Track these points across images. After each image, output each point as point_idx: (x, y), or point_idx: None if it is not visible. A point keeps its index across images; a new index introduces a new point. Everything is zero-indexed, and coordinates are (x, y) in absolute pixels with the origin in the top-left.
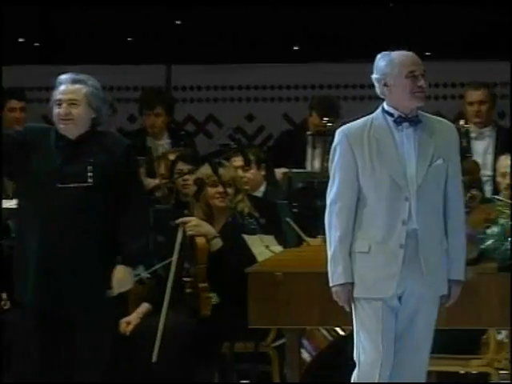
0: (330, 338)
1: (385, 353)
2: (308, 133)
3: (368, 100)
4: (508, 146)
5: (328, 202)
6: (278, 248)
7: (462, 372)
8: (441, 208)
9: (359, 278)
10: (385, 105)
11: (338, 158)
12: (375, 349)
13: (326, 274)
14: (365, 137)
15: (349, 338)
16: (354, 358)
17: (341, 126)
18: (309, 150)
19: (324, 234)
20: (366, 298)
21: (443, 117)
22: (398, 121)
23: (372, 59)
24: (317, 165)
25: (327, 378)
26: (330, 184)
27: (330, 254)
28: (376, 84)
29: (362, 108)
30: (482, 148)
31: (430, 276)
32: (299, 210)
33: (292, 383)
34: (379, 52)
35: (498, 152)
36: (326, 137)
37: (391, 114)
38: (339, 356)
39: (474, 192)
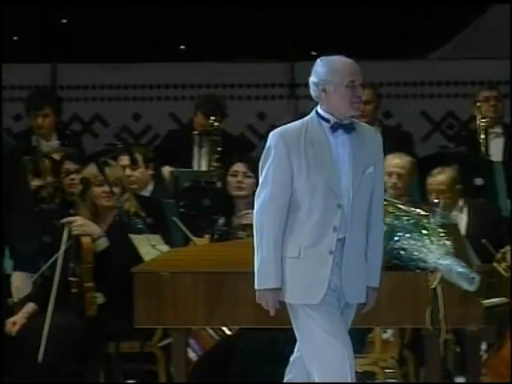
0: (217, 338)
1: (345, 344)
2: (194, 132)
3: (255, 100)
4: (395, 146)
5: (259, 202)
6: (164, 247)
7: None
8: (365, 217)
9: (292, 283)
10: (319, 109)
11: (272, 159)
12: (337, 345)
13: (213, 273)
14: (301, 141)
15: (235, 337)
16: (308, 368)
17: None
18: (195, 150)
19: (211, 233)
20: (299, 304)
21: None
22: (334, 127)
23: (258, 59)
24: (203, 164)
25: (214, 377)
26: (261, 185)
27: (260, 256)
28: (313, 87)
29: (248, 107)
30: None
31: (346, 285)
32: (186, 209)
33: (178, 383)
34: (266, 51)
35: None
36: (213, 136)
37: (327, 120)
38: (226, 355)
39: None
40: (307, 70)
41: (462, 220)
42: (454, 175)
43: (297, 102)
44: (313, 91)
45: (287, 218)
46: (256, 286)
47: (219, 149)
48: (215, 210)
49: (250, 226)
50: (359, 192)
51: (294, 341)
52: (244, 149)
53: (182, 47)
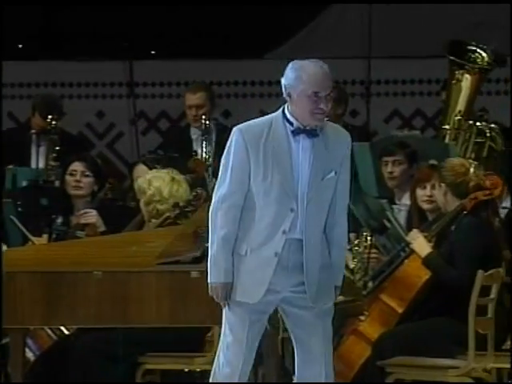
0: (55, 338)
1: (247, 353)
2: (32, 131)
3: (94, 99)
4: None
5: (215, 198)
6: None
7: (187, 370)
8: (325, 219)
9: (236, 279)
10: (286, 109)
11: (231, 156)
12: (239, 348)
13: (51, 273)
14: (262, 140)
15: (73, 336)
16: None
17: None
18: (33, 149)
19: (49, 233)
20: (236, 300)
21: None
22: (296, 132)
23: (97, 57)
24: (41, 163)
25: (51, 377)
26: (218, 180)
27: (211, 251)
28: (282, 87)
29: (87, 106)
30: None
31: (311, 287)
32: (24, 208)
33: (15, 383)
34: (105, 49)
35: None
36: (51, 135)
37: (291, 123)
38: (63, 355)
39: (199, 190)
40: (146, 69)
41: None
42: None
43: (136, 100)
44: (283, 91)
45: (241, 215)
46: (208, 280)
47: (57, 148)
48: (53, 210)
49: (89, 225)
50: (316, 198)
51: (131, 340)
52: (83, 147)
53: (19, 46)
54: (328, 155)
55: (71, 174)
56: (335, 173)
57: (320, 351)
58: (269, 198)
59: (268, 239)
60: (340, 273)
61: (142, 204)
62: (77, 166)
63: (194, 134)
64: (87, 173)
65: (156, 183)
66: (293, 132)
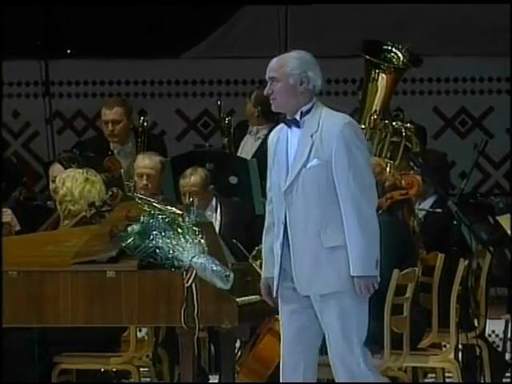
0: None
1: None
2: None
3: (8, 98)
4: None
5: None
6: None
7: (103, 370)
8: (326, 209)
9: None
10: None
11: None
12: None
13: None
14: (277, 137)
15: None
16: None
17: None
18: None
19: None
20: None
21: None
22: (287, 124)
23: (12, 56)
24: None
25: None
26: None
27: None
28: None
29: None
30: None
31: (298, 276)
32: None
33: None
34: (20, 48)
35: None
36: None
37: None
38: None
39: (115, 190)
40: (62, 68)
41: (216, 220)
42: (205, 176)
43: (51, 99)
44: None
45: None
46: None
47: None
48: None
49: (4, 224)
50: (301, 186)
51: (47, 340)
52: None
53: None
54: (314, 143)
55: None
56: (320, 160)
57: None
58: (273, 193)
59: (277, 235)
60: (354, 262)
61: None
62: None
63: (114, 148)
64: None
65: (68, 183)
66: (286, 124)
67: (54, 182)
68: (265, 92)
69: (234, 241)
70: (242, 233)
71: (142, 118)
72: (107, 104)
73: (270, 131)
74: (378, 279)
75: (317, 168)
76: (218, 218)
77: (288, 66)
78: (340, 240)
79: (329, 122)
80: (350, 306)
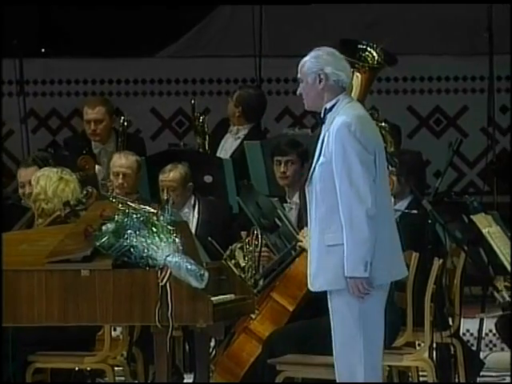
0: None
1: None
2: None
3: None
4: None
5: None
6: None
7: (77, 369)
8: (330, 208)
9: None
10: None
11: None
12: None
13: None
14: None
15: None
16: None
17: None
18: None
19: None
20: None
21: None
22: (318, 121)
23: None
24: None
25: None
26: None
27: None
28: None
29: None
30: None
31: (310, 271)
32: None
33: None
34: None
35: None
36: None
37: None
38: None
39: (90, 189)
40: (36, 67)
41: (193, 217)
42: (185, 172)
43: (26, 98)
44: None
45: None
46: None
47: None
48: None
49: None
50: (313, 186)
51: (21, 339)
52: None
53: None
54: (324, 141)
55: None
56: (326, 158)
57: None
58: None
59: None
60: (346, 261)
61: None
62: None
63: (96, 148)
64: None
65: (42, 182)
66: (317, 121)
67: (22, 187)
68: (297, 93)
69: (210, 239)
70: (219, 231)
71: (122, 118)
72: (89, 103)
73: (249, 131)
74: (374, 281)
75: (323, 166)
76: (196, 215)
77: (305, 65)
78: (339, 239)
79: (336, 120)
80: (348, 304)
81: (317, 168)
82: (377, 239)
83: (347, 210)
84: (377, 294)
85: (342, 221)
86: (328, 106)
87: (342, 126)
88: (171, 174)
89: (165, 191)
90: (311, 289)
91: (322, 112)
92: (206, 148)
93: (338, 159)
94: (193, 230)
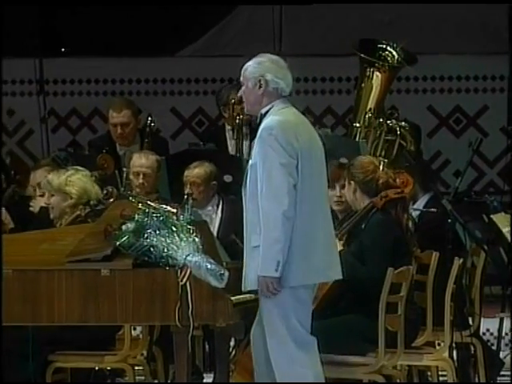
0: None
1: None
2: None
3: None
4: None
5: None
6: None
7: (97, 368)
8: (256, 209)
9: None
10: None
11: None
12: None
13: None
14: None
15: None
16: None
17: None
18: None
19: None
20: None
21: None
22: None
23: (6, 54)
24: None
25: None
26: None
27: None
28: None
29: None
30: None
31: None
32: None
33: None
34: (14, 47)
35: None
36: None
37: None
38: None
39: (110, 188)
40: (56, 66)
41: (216, 216)
42: (210, 170)
43: (46, 98)
44: None
45: None
46: None
47: None
48: None
49: None
50: (246, 184)
51: (42, 339)
52: None
53: None
54: (253, 146)
55: None
56: (253, 162)
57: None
58: None
59: None
60: (261, 262)
61: (56, 202)
62: None
63: (121, 150)
64: None
65: (81, 184)
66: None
67: (35, 189)
68: (238, 95)
69: (233, 237)
70: (242, 230)
71: (149, 118)
72: (115, 106)
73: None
74: (288, 283)
75: (251, 169)
76: (219, 214)
77: (247, 69)
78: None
79: (262, 124)
80: (266, 304)
81: (247, 171)
82: (304, 241)
83: (264, 210)
84: (292, 294)
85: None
86: (263, 111)
87: (265, 129)
88: (196, 170)
89: (188, 186)
90: (243, 289)
91: (259, 117)
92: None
93: (260, 162)
94: (215, 229)
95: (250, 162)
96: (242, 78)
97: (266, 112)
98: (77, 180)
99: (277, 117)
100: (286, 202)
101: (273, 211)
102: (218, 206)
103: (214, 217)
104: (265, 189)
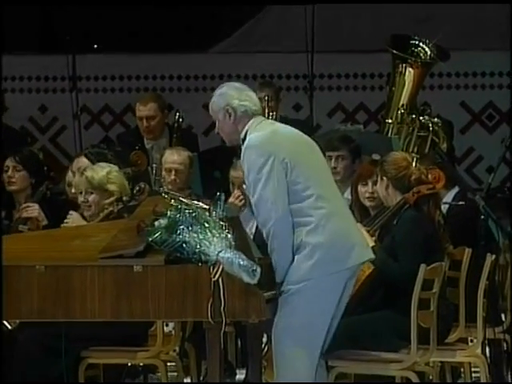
0: None
1: None
2: None
3: (36, 93)
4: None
5: None
6: None
7: (130, 364)
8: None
9: None
10: None
11: None
12: None
13: None
14: None
15: (16, 331)
16: None
17: None
18: None
19: None
20: None
21: None
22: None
23: (40, 51)
24: None
25: None
26: None
27: None
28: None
29: (29, 100)
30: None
31: None
32: None
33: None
34: (48, 43)
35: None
36: None
37: None
38: (7, 349)
39: (142, 185)
40: (89, 63)
41: None
42: None
43: (79, 94)
44: None
45: None
46: None
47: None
48: None
49: (31, 219)
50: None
51: (74, 335)
52: (24, 142)
53: None
54: None
55: (5, 170)
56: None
57: None
58: None
59: None
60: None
61: (95, 200)
62: (8, 162)
63: (149, 143)
64: (18, 168)
65: (119, 179)
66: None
67: (73, 174)
68: (215, 132)
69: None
70: None
71: (177, 114)
72: (141, 100)
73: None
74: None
75: (246, 190)
76: None
77: (213, 104)
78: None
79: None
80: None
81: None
82: (338, 227)
83: (260, 224)
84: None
85: None
86: (242, 135)
87: (246, 149)
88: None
89: (236, 186)
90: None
91: (241, 142)
92: None
93: (246, 181)
94: (254, 226)
95: (244, 186)
96: (211, 113)
97: (245, 135)
98: (116, 177)
99: (253, 134)
100: (272, 215)
101: (265, 226)
102: None
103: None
104: (255, 202)
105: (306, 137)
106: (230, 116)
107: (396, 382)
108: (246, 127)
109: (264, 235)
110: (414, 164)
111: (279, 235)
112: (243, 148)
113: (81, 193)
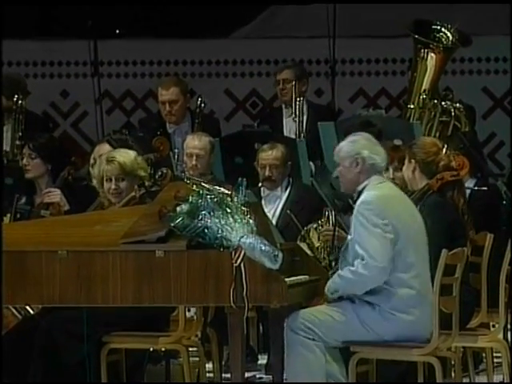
0: (20, 317)
1: None
2: None
3: (58, 78)
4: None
5: None
6: None
7: (152, 349)
8: None
9: None
10: None
11: None
12: None
13: (15, 252)
14: None
15: (38, 316)
16: None
17: None
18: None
19: (12, 212)
20: None
21: None
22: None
23: (61, 36)
24: (6, 143)
25: (16, 356)
26: None
27: None
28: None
29: (51, 85)
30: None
31: None
32: None
33: None
34: (69, 28)
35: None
36: (15, 115)
37: None
38: (29, 334)
39: (164, 170)
40: (111, 48)
41: (283, 195)
42: (285, 151)
43: (100, 79)
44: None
45: None
46: None
47: (22, 127)
48: (17, 189)
49: (53, 204)
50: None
51: (96, 320)
52: (46, 127)
53: None
54: None
55: (22, 158)
56: (351, 236)
57: None
58: None
59: None
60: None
61: (127, 186)
62: (24, 150)
63: (171, 128)
64: (33, 155)
65: (145, 165)
66: None
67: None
68: (333, 175)
69: (288, 212)
70: (305, 214)
71: (199, 99)
72: (163, 84)
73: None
74: None
75: (350, 243)
76: (286, 194)
77: (342, 149)
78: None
79: (360, 199)
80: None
81: (348, 244)
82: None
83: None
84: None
85: None
86: (360, 187)
87: (362, 203)
88: (274, 153)
89: (266, 169)
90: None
91: (356, 193)
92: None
93: (356, 235)
94: (279, 209)
95: (349, 237)
96: (336, 158)
97: (363, 188)
98: (143, 162)
99: (374, 192)
100: (378, 258)
101: (365, 256)
102: (286, 188)
103: (280, 195)
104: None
105: (417, 212)
106: (357, 165)
107: (418, 367)
108: (367, 181)
109: (351, 258)
110: (443, 150)
111: (370, 278)
112: (360, 200)
113: (109, 180)
